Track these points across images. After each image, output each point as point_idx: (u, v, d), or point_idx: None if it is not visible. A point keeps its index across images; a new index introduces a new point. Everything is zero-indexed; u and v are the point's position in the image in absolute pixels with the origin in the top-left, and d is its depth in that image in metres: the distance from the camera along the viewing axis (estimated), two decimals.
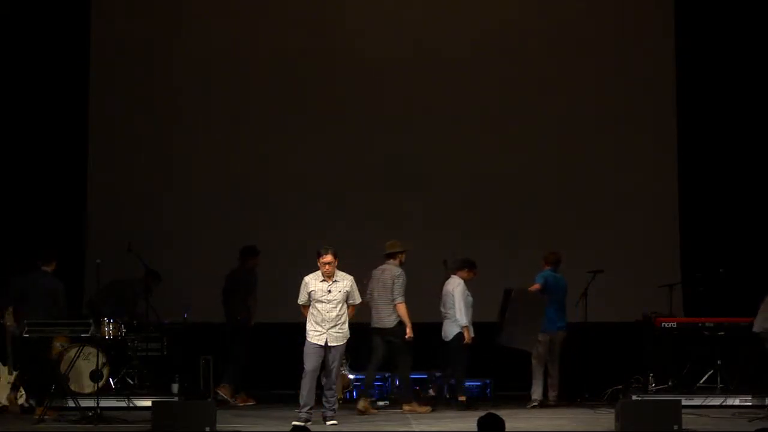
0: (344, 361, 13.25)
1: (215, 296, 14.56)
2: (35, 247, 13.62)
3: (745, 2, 15.23)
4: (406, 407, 13.13)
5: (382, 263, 13.31)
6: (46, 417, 12.01)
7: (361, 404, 12.97)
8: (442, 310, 13.40)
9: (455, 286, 13.33)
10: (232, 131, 15.46)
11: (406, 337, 13.07)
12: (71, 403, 12.43)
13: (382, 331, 13.20)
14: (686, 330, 13.69)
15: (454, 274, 13.47)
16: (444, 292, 13.42)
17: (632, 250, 15.15)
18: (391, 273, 13.17)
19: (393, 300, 13.07)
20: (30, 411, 12.50)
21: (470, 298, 13.39)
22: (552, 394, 13.84)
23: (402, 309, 13.08)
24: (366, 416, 12.77)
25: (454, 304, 13.26)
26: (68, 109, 15.25)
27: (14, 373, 12.64)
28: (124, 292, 13.99)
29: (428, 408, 13.15)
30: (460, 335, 13.26)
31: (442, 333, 13.40)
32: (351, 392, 14.22)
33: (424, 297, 14.39)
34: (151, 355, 13.92)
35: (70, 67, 15.28)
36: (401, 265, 13.26)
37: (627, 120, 15.50)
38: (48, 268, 13.09)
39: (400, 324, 13.11)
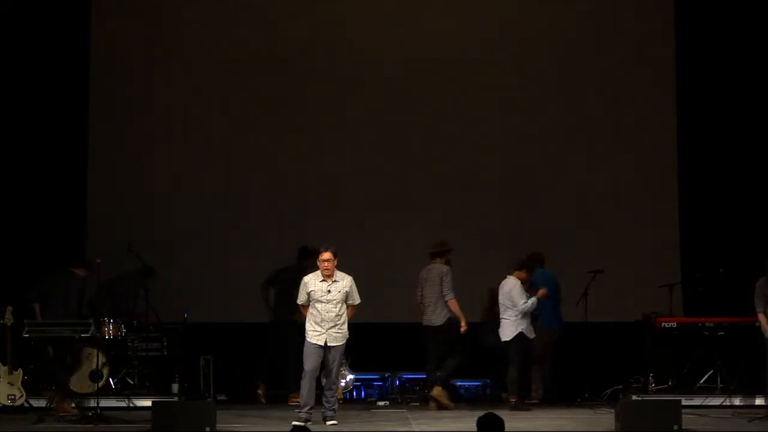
0: (344, 361, 13.25)
1: (215, 296, 14.61)
2: (68, 250, 13.72)
3: (745, 3, 15.23)
4: (435, 392, 13.25)
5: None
6: (53, 410, 12.01)
7: (436, 392, 13.29)
8: (500, 311, 13.39)
9: (512, 287, 13.32)
10: (232, 131, 15.46)
11: (462, 330, 13.32)
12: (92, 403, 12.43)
13: (431, 329, 13.45)
14: (686, 330, 13.71)
15: (511, 274, 13.44)
16: (501, 293, 13.41)
17: (632, 250, 15.15)
18: (438, 271, 13.45)
19: (443, 297, 13.35)
20: (31, 410, 12.52)
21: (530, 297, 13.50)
22: (537, 393, 13.91)
23: (454, 304, 13.37)
24: (371, 412, 12.88)
25: (513, 305, 13.26)
26: (68, 109, 15.25)
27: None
28: (120, 289, 13.95)
29: (453, 404, 13.30)
30: (520, 335, 13.27)
31: (501, 334, 13.37)
32: (351, 392, 14.25)
33: None
34: (151, 355, 13.93)
35: (70, 67, 15.28)
36: (447, 263, 13.51)
37: (627, 120, 15.50)
38: (78, 272, 13.05)
39: (450, 321, 13.37)
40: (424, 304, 13.56)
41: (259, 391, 13.96)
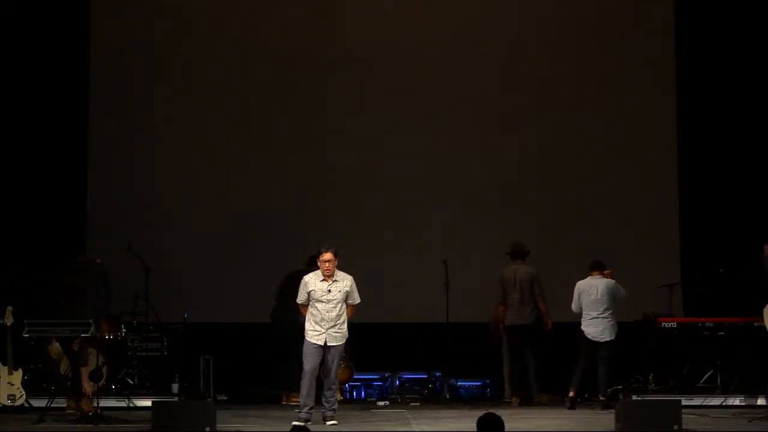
0: (344, 354, 13.25)
1: (215, 296, 14.62)
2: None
3: (746, 2, 15.24)
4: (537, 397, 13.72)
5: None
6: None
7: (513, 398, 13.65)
8: (598, 311, 13.39)
9: (610, 283, 13.43)
10: (232, 131, 15.46)
11: (548, 328, 13.87)
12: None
13: (522, 328, 13.79)
14: (686, 330, 13.71)
15: (598, 274, 13.53)
16: (600, 292, 13.42)
17: (632, 250, 15.14)
18: (527, 271, 13.85)
19: (534, 297, 13.74)
20: (31, 410, 12.52)
21: None
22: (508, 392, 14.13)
23: (545, 305, 13.86)
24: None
25: (613, 304, 13.36)
26: (68, 109, 15.25)
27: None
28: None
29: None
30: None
31: (598, 333, 13.37)
32: (351, 392, 14.26)
33: (425, 296, 14.45)
34: (151, 355, 13.93)
35: (70, 67, 15.28)
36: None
37: (627, 120, 15.49)
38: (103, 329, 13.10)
39: (538, 320, 13.77)
40: (509, 305, 13.81)
41: (287, 401, 13.83)
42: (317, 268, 13.32)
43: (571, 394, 13.33)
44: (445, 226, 15.16)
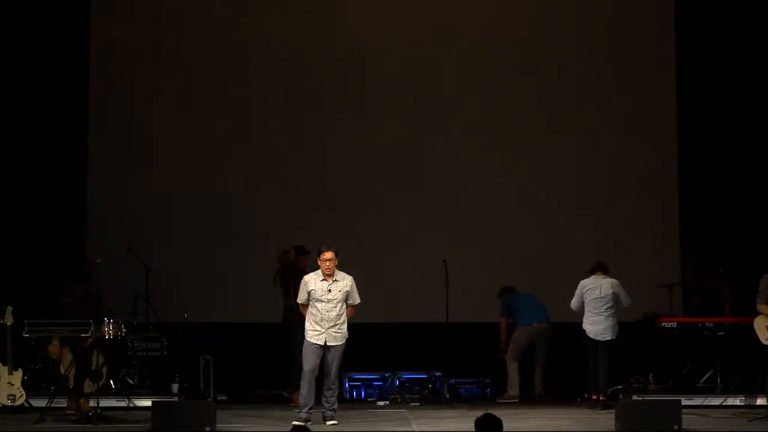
0: None
1: (215, 296, 14.62)
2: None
3: (746, 1, 15.24)
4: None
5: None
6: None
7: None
8: (600, 309, 13.42)
9: (618, 285, 13.46)
10: (232, 131, 15.47)
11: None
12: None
13: None
14: (686, 330, 13.71)
15: (601, 274, 13.55)
16: (604, 292, 13.44)
17: (632, 250, 15.15)
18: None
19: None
20: (31, 410, 12.52)
21: None
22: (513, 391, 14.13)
23: None
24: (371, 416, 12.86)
25: (619, 302, 13.41)
26: (68, 109, 15.26)
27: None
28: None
29: None
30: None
31: (599, 332, 13.38)
32: (351, 391, 14.27)
33: (425, 296, 14.46)
34: (151, 355, 13.93)
35: (70, 67, 15.28)
36: None
37: (627, 119, 15.51)
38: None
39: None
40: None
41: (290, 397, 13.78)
42: (301, 264, 13.39)
43: (594, 396, 13.33)
44: (445, 226, 15.16)
